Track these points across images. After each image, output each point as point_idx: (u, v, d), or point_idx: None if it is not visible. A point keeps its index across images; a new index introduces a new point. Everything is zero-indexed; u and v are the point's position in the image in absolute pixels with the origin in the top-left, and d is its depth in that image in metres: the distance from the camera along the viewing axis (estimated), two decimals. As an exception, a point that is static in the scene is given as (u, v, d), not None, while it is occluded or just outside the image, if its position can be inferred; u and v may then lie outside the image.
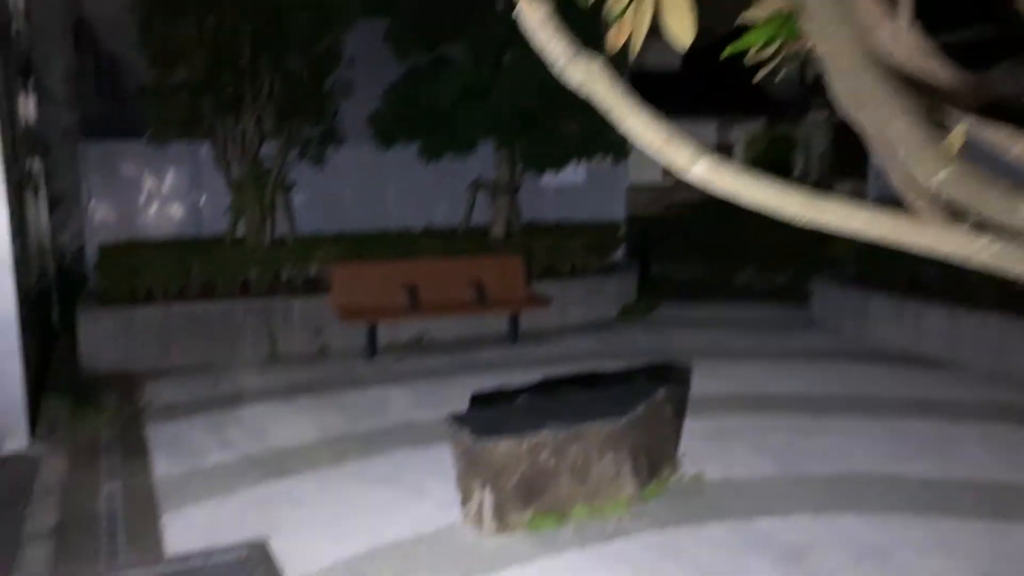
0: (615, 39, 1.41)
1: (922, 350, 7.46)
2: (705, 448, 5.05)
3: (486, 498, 3.90)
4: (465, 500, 4.08)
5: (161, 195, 8.98)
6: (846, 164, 23.40)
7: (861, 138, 1.27)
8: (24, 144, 7.27)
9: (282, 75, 7.89)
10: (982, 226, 1.12)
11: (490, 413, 4.36)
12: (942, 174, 1.06)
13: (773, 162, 26.12)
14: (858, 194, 12.59)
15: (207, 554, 3.81)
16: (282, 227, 8.59)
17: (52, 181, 8.76)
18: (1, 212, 5.12)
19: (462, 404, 5.79)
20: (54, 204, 8.80)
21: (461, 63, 8.38)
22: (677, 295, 10.67)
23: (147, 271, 7.32)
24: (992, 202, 1.07)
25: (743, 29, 1.60)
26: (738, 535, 3.90)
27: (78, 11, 9.02)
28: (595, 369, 5.69)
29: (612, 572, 3.55)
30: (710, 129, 28.71)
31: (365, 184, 9.72)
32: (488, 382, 6.40)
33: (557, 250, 9.06)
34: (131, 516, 4.22)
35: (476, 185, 9.51)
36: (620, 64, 1.94)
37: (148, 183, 8.89)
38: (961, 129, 1.31)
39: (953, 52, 1.49)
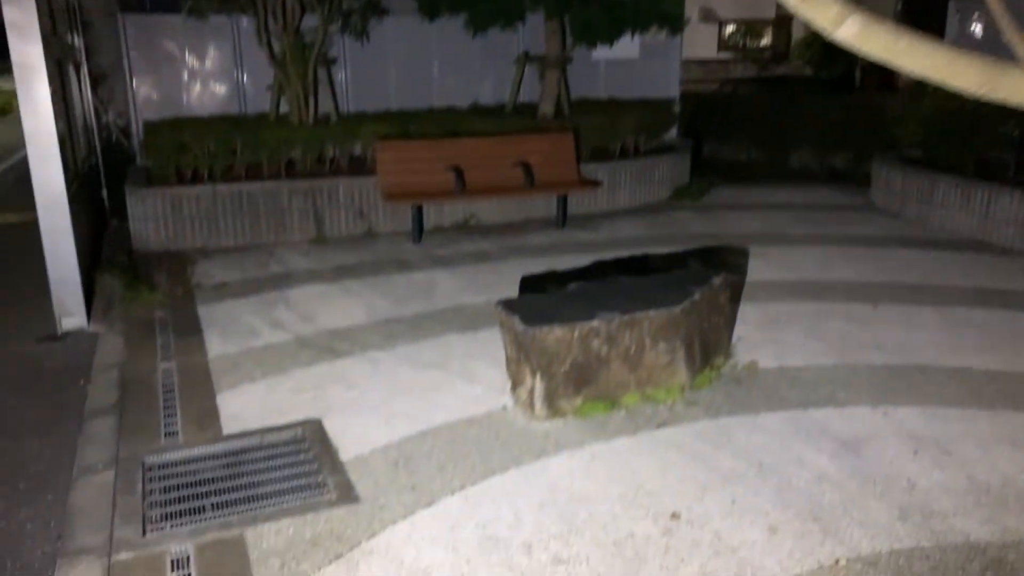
0: None
1: (991, 237, 7.14)
2: (759, 335, 4.94)
3: (536, 384, 3.87)
4: (515, 386, 4.06)
5: (203, 71, 8.79)
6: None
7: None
8: (63, 18, 7.09)
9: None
10: None
11: (541, 299, 4.27)
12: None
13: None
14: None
15: (263, 432, 3.88)
16: (325, 105, 8.39)
17: (94, 57, 8.61)
18: (43, 89, 5.02)
19: (510, 288, 5.71)
20: (97, 81, 8.69)
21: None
22: (731, 177, 10.33)
23: (193, 148, 7.24)
24: None
25: None
26: (792, 425, 3.83)
27: None
28: (648, 254, 5.53)
29: (663, 459, 3.53)
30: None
31: (409, 60, 9.38)
32: (536, 266, 6.31)
33: (608, 129, 8.73)
34: (187, 394, 4.30)
35: (524, 59, 9.11)
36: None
37: (189, 59, 8.69)
38: None
39: None
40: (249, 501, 3.30)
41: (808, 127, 11.19)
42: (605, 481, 3.36)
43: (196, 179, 7.34)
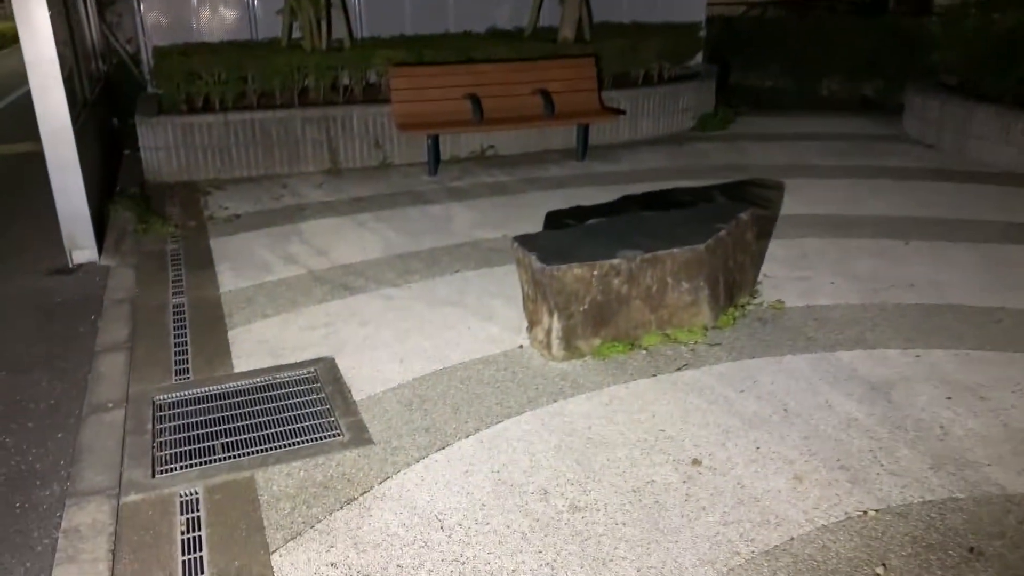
0: None
1: (1030, 169, 6.83)
2: (786, 273, 4.77)
3: (554, 324, 3.74)
4: (532, 325, 3.93)
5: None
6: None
7: None
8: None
9: None
10: None
11: (559, 235, 4.11)
12: None
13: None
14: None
15: (276, 370, 3.81)
16: (339, 30, 8.10)
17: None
18: (41, 13, 4.81)
19: (527, 223, 5.56)
20: (104, 5, 8.43)
21: None
22: (758, 106, 9.96)
23: (203, 76, 7.03)
24: None
25: None
26: (819, 367, 3.69)
27: None
28: (671, 187, 5.32)
29: (684, 402, 3.42)
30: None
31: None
32: (555, 200, 6.13)
33: (630, 55, 8.38)
34: (199, 331, 4.23)
35: (544, -19, 8.71)
36: None
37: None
38: None
39: None
40: (260, 442, 3.24)
41: (839, 53, 10.71)
42: (624, 425, 3.26)
43: (207, 107, 7.15)
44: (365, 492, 2.91)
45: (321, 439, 3.25)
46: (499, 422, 3.31)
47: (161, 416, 3.45)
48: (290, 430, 3.31)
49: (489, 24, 9.20)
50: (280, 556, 2.61)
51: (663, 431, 3.22)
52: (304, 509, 2.83)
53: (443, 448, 3.15)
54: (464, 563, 2.55)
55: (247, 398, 3.57)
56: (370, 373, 3.75)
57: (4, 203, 6.71)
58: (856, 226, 5.57)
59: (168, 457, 3.16)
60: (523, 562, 2.54)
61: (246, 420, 3.39)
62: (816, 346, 3.90)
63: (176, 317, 4.41)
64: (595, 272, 3.68)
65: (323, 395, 3.58)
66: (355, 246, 5.38)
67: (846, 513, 2.72)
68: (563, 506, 2.79)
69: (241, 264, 5.12)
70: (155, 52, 7.69)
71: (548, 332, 3.78)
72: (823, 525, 2.66)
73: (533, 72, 7.47)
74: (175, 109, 7.08)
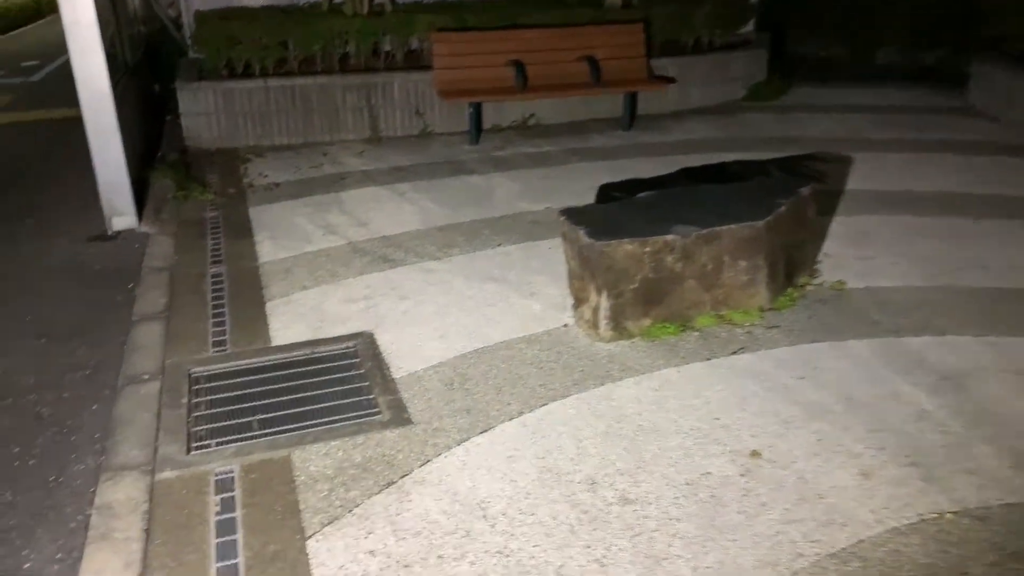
0: None
1: (1108, 145, 6.44)
2: (847, 252, 4.52)
3: (602, 303, 3.57)
4: (577, 304, 3.77)
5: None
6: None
7: None
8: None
9: None
10: None
11: (608, 209, 3.92)
12: None
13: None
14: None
15: (314, 344, 3.70)
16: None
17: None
18: (80, -26, 4.71)
19: (572, 196, 5.38)
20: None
21: None
22: (812, 75, 9.56)
23: (244, 40, 6.91)
24: None
25: None
26: (884, 354, 3.47)
27: None
28: (724, 160, 5.08)
29: (740, 389, 3.23)
30: None
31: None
32: (600, 171, 5.91)
33: (680, 20, 8.06)
34: (237, 302, 4.14)
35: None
36: None
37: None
38: None
39: None
40: (297, 419, 3.13)
41: (898, 19, 10.22)
42: (676, 412, 3.09)
43: (248, 73, 7.04)
44: (404, 475, 2.79)
45: (360, 418, 3.13)
46: (543, 405, 3.17)
47: (197, 390, 3.36)
48: (328, 408, 3.20)
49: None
50: (316, 542, 2.50)
51: (718, 419, 3.04)
52: (342, 492, 2.72)
53: (485, 431, 3.02)
54: (508, 556, 2.42)
55: (285, 373, 3.47)
56: (410, 349, 3.63)
57: (45, 169, 6.70)
58: (920, 203, 5.28)
59: (204, 433, 3.07)
60: (571, 557, 2.40)
61: (283, 396, 3.29)
62: (880, 331, 3.67)
63: (214, 287, 4.33)
64: (647, 249, 3.50)
65: (362, 371, 3.46)
66: (395, 217, 5.24)
67: (919, 515, 2.53)
68: (613, 498, 2.64)
69: (280, 233, 5.01)
70: (196, 17, 7.58)
71: (595, 311, 3.62)
72: (894, 527, 2.48)
73: (579, 38, 7.22)
74: (216, 75, 6.99)
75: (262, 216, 5.33)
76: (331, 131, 7.10)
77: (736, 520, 2.53)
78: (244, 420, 3.14)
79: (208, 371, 3.50)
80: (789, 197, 3.91)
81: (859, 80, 9.43)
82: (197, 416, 3.17)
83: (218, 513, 2.64)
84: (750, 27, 9.38)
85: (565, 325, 3.78)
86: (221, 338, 3.78)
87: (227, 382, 3.41)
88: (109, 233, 5.19)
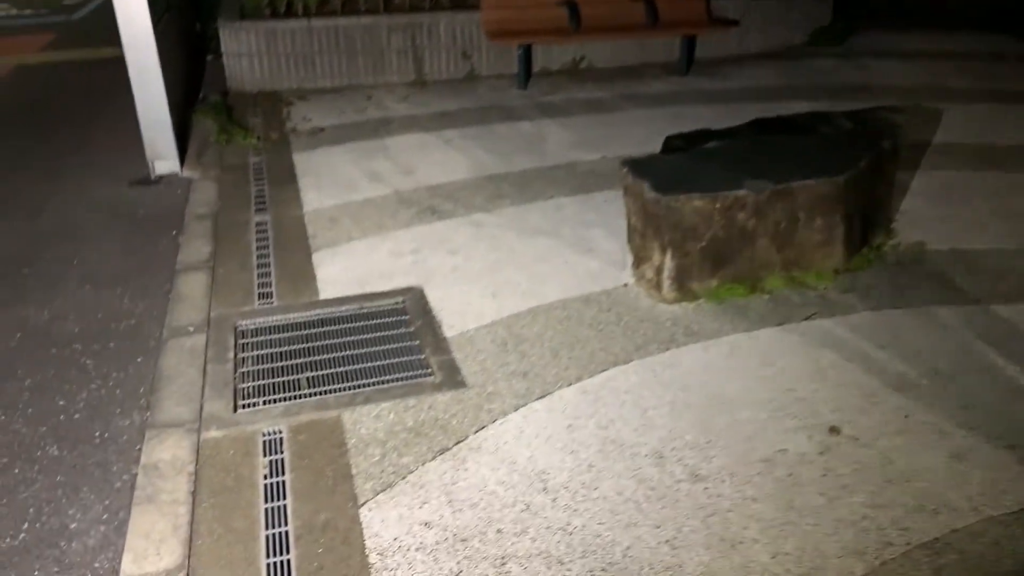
0: None
1: None
2: (926, 211, 4.23)
3: (666, 262, 3.36)
4: (639, 262, 3.55)
5: None
6: None
7: None
8: None
9: None
10: None
11: (674, 160, 3.68)
12: None
13: None
14: None
15: (362, 298, 3.56)
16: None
17: None
18: (119, -96, 4.50)
19: (628, 143, 5.12)
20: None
21: None
22: (878, 19, 9.02)
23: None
24: None
25: None
26: (973, 322, 3.23)
27: None
28: (792, 110, 4.77)
29: (816, 358, 3.03)
30: None
31: None
32: (658, 119, 5.63)
33: (743, -41, 7.60)
34: (282, 252, 4.00)
35: None
36: None
37: None
38: None
39: None
40: (347, 378, 3.01)
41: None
42: (748, 381, 2.90)
43: (291, 13, 6.80)
44: (459, 442, 2.65)
45: (411, 378, 3.00)
46: (604, 370, 2.99)
47: (244, 344, 3.25)
48: (378, 367, 3.07)
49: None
50: (370, 511, 2.38)
51: (793, 390, 2.85)
52: (395, 457, 2.59)
53: (543, 397, 2.86)
54: (572, 534, 2.27)
55: (333, 328, 3.34)
56: (461, 307, 3.47)
57: (88, 110, 6.58)
58: (1007, 158, 4.93)
59: (251, 390, 2.96)
60: (639, 538, 2.25)
61: (332, 353, 3.17)
62: (966, 297, 3.42)
63: (259, 236, 4.20)
64: (718, 205, 3.26)
65: (412, 329, 3.32)
66: (442, 165, 5.04)
67: (1020, 504, 2.32)
68: (682, 474, 2.48)
69: (325, 181, 4.85)
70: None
71: (658, 270, 3.41)
72: (992, 516, 2.28)
73: (636, -23, 6.84)
74: (258, 14, 6.77)
75: (306, 162, 5.17)
76: (375, 73, 6.87)
77: (817, 503, 2.35)
78: (291, 377, 3.02)
79: (254, 325, 3.39)
80: (870, 151, 3.63)
81: (931, 24, 8.88)
82: (243, 372, 3.06)
83: (266, 477, 2.53)
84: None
85: (625, 284, 3.58)
86: (267, 290, 3.66)
87: (273, 336, 3.29)
88: (152, 177, 5.08)
